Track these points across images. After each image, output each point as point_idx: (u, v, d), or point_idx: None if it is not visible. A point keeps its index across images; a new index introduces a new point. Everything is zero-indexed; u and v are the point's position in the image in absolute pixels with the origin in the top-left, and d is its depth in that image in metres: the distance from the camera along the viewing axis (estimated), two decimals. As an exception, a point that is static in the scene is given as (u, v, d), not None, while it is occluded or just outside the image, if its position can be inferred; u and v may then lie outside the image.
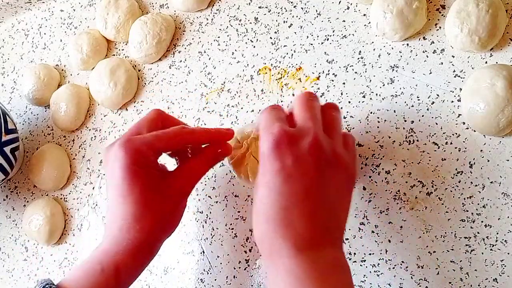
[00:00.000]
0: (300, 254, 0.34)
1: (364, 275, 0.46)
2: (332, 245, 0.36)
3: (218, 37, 0.58)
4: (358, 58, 0.50)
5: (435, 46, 0.47)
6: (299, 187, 0.35)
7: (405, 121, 0.47)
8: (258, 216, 0.36)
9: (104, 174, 0.61)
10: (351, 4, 0.52)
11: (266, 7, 0.56)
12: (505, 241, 0.41)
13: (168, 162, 0.46)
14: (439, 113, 0.45)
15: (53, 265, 0.62)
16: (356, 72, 0.50)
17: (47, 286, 0.40)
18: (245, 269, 0.51)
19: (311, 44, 0.53)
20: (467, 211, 0.43)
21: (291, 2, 0.55)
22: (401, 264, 0.45)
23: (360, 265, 0.46)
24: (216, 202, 0.51)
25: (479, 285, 0.42)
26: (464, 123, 0.44)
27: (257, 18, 0.56)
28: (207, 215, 0.53)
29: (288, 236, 0.34)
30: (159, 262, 0.55)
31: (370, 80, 0.49)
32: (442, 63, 0.46)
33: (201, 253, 0.53)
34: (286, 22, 0.55)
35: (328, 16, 0.53)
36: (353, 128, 0.49)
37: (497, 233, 0.42)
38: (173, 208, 0.42)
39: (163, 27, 0.59)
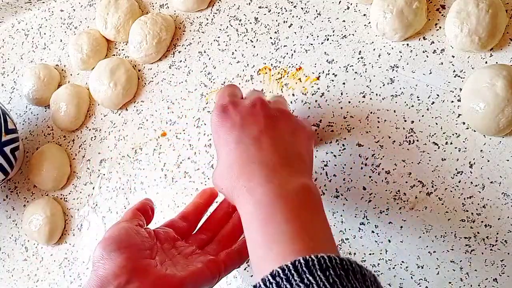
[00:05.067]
0: (266, 183, 0.35)
1: (364, 275, 0.46)
2: (297, 175, 0.37)
3: (218, 37, 0.58)
4: (358, 58, 0.50)
5: (435, 46, 0.47)
6: (253, 130, 0.39)
7: (405, 121, 0.47)
8: (224, 170, 0.39)
9: (103, 174, 0.61)
10: (351, 4, 0.52)
11: (266, 7, 0.56)
12: (505, 241, 0.41)
13: None
14: (439, 113, 0.45)
15: (53, 265, 0.62)
16: (356, 72, 0.50)
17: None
18: (245, 269, 0.51)
19: (311, 44, 0.53)
20: (467, 211, 0.43)
21: (291, 2, 0.55)
22: (401, 264, 0.45)
23: (360, 265, 0.46)
24: (216, 202, 0.51)
25: (479, 285, 0.42)
26: (464, 123, 0.44)
27: (257, 18, 0.56)
28: (207, 215, 0.53)
29: (250, 174, 0.36)
30: (159, 262, 0.55)
31: (370, 80, 0.49)
32: (442, 63, 0.46)
33: (201, 253, 0.53)
34: (286, 22, 0.55)
35: (328, 16, 0.53)
36: (353, 128, 0.49)
37: (497, 233, 0.42)
38: None
39: (163, 27, 0.59)
